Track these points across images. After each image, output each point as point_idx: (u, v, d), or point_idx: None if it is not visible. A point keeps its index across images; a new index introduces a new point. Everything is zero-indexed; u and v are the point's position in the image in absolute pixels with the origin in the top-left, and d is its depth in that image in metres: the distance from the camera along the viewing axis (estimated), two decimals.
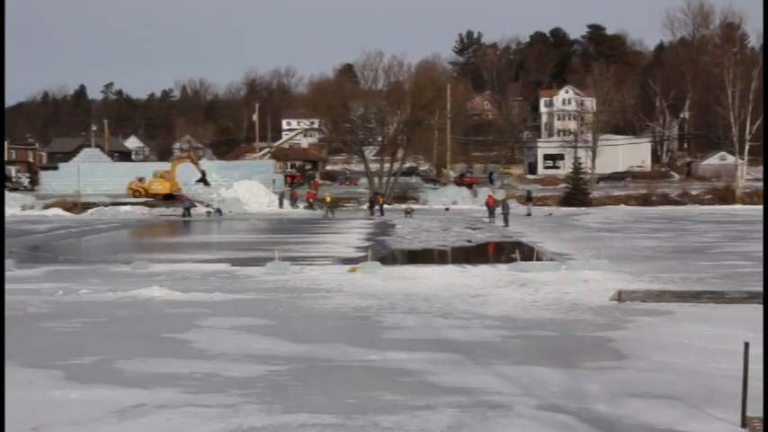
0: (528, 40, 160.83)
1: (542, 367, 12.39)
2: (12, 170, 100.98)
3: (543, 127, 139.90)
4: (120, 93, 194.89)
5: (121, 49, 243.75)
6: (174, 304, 18.69)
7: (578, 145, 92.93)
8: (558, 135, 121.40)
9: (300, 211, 66.01)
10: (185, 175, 72.81)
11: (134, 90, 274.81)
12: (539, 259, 26.51)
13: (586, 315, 17.32)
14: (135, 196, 71.11)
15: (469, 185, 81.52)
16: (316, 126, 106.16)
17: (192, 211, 60.01)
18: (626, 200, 68.87)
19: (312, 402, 10.34)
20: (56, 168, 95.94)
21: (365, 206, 64.03)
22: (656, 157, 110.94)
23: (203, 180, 71.35)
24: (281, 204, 68.43)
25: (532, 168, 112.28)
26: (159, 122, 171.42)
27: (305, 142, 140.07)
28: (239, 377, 11.78)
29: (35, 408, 10.13)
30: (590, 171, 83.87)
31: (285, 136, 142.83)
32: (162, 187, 70.78)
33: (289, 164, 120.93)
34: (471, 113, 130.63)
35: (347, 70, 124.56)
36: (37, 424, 9.44)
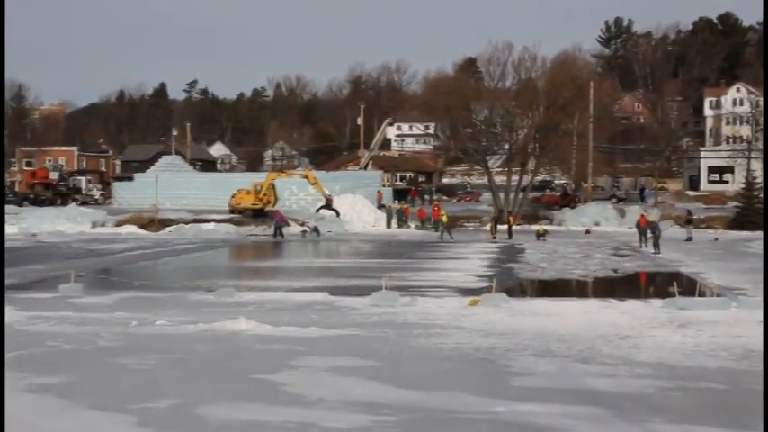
0: (690, 27, 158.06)
1: (708, 427, 12.04)
2: (82, 181, 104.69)
3: (708, 133, 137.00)
4: (205, 92, 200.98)
5: (208, 43, 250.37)
6: (264, 339, 18.99)
7: (752, 155, 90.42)
8: (727, 143, 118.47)
9: (412, 231, 66.32)
10: (279, 188, 73.76)
11: (221, 89, 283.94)
12: (702, 294, 25.83)
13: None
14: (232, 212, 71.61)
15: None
16: (431, 131, 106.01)
17: (285, 230, 61.01)
18: None
19: None
20: (131, 179, 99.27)
21: (488, 226, 63.86)
22: None
23: (329, 206, 67.99)
24: (388, 224, 68.83)
25: (694, 183, 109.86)
26: (249, 126, 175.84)
27: (408, 143, 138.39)
28: (340, 428, 11.87)
29: None
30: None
31: (394, 143, 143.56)
32: (249, 202, 71.24)
33: (398, 175, 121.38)
34: (619, 116, 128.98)
35: (469, 65, 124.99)
36: None
